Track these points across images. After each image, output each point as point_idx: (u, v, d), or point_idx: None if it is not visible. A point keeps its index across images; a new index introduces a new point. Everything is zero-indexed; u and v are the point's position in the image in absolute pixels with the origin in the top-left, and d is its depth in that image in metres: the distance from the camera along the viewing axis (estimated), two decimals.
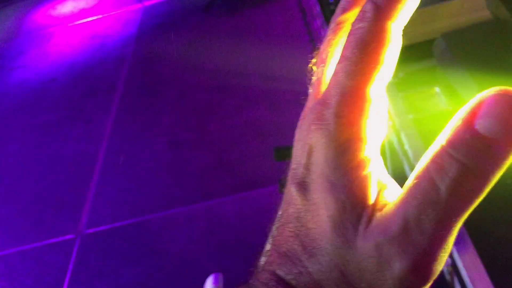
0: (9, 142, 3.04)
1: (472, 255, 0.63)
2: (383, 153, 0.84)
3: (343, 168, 0.23)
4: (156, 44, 3.51)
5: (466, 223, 0.64)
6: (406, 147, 0.80)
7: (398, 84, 0.89)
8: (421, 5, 0.40)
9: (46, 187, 2.59)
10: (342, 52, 0.25)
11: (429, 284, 0.22)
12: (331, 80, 0.25)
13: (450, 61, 0.69)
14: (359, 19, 0.24)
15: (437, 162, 0.21)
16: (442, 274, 0.72)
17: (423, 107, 0.83)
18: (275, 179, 1.13)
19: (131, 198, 2.37)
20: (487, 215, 0.63)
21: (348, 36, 0.24)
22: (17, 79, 3.67)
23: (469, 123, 0.20)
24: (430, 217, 0.20)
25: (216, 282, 1.25)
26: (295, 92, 2.57)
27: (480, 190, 0.20)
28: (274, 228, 0.28)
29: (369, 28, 0.23)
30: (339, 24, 0.27)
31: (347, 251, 0.23)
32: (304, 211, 0.25)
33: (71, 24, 4.18)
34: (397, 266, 0.21)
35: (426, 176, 0.21)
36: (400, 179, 0.26)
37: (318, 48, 0.29)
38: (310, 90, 0.28)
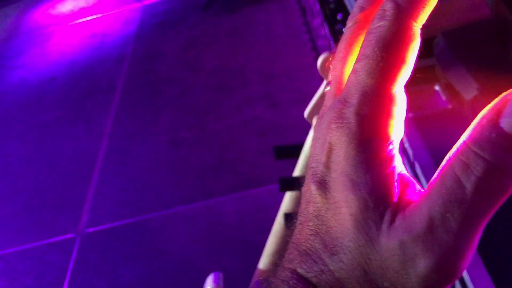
0: (9, 141, 3.04)
1: None
2: None
3: (365, 166, 0.23)
4: (156, 43, 3.50)
5: None
6: (406, 145, 0.80)
7: None
8: None
9: (46, 186, 2.59)
10: (362, 50, 0.25)
11: (452, 283, 0.22)
12: (350, 78, 0.25)
13: (450, 59, 0.69)
14: (380, 17, 0.24)
15: (462, 160, 0.21)
16: None
17: (423, 106, 0.83)
18: (275, 178, 1.13)
19: (131, 197, 2.37)
20: None
21: (368, 35, 0.24)
22: (17, 78, 3.67)
23: (494, 122, 0.20)
24: (456, 215, 0.21)
25: (216, 281, 1.25)
26: (295, 90, 2.57)
27: (506, 188, 0.20)
28: (293, 226, 0.28)
29: (390, 26, 0.24)
30: (357, 23, 0.27)
31: (370, 249, 0.23)
32: (324, 210, 0.25)
33: (70, 23, 4.18)
34: (422, 264, 0.21)
35: (451, 174, 0.21)
36: None
37: (335, 47, 0.29)
38: (328, 89, 0.28)
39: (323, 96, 1.00)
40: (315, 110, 1.01)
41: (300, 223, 0.27)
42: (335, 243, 0.24)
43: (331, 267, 0.24)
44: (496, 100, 0.21)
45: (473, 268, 0.61)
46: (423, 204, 0.22)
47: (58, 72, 3.54)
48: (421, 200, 0.22)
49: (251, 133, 2.46)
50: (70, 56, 3.70)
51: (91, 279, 2.07)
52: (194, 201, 2.22)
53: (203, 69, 3.05)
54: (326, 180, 0.25)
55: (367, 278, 0.23)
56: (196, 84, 2.94)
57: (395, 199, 0.23)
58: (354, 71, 0.25)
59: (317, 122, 0.27)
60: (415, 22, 0.24)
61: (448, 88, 0.78)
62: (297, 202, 1.11)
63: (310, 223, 0.26)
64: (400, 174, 0.24)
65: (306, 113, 1.04)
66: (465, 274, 0.62)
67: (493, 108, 0.21)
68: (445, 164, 0.22)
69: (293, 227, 0.28)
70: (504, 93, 0.21)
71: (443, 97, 0.80)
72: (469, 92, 0.61)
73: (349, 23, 0.28)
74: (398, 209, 0.23)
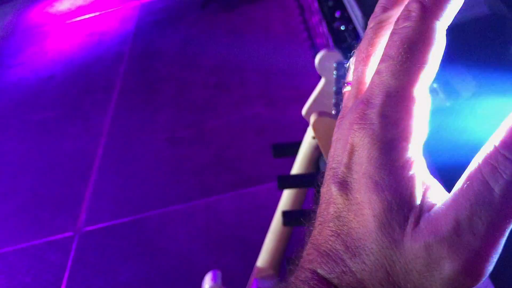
0: (6, 140, 3.03)
1: None
2: None
3: (388, 167, 0.23)
4: (154, 41, 3.50)
5: None
6: None
7: None
8: None
9: (44, 184, 2.59)
10: (386, 51, 0.24)
11: (477, 285, 0.22)
12: (374, 79, 0.25)
13: (448, 57, 0.69)
14: (404, 18, 0.24)
15: (491, 164, 0.20)
16: None
17: None
18: (273, 176, 1.13)
19: (129, 195, 2.36)
20: None
21: (392, 35, 0.24)
22: (15, 77, 3.66)
23: None
24: (483, 218, 0.20)
25: (214, 279, 1.25)
26: (294, 88, 2.57)
27: None
28: (311, 226, 0.28)
29: (415, 27, 0.23)
30: (380, 23, 0.27)
31: (394, 251, 0.23)
32: (346, 211, 0.25)
33: (68, 22, 4.17)
34: (448, 267, 0.21)
35: (479, 177, 0.21)
36: None
37: (356, 47, 0.28)
38: (348, 89, 0.28)
39: (321, 93, 1.00)
40: (313, 108, 1.01)
41: (320, 224, 0.26)
42: (357, 244, 0.24)
43: (353, 269, 0.24)
44: None
45: None
46: (449, 207, 0.22)
47: (56, 71, 3.54)
48: (447, 203, 0.22)
49: (250, 131, 2.46)
50: (68, 54, 3.69)
51: (90, 277, 2.07)
52: (193, 199, 2.22)
53: (201, 67, 3.04)
54: (347, 181, 0.25)
55: (390, 279, 0.23)
56: (194, 82, 2.94)
57: (419, 201, 0.23)
58: (377, 72, 0.24)
59: (338, 123, 0.27)
60: (440, 23, 0.24)
61: (446, 85, 0.78)
62: (300, 201, 1.11)
63: (331, 224, 0.25)
64: (423, 176, 0.24)
65: (304, 110, 1.04)
66: None
67: None
68: (472, 167, 0.21)
69: (311, 228, 0.28)
70: None
71: (442, 95, 0.80)
72: (467, 89, 0.61)
73: (371, 24, 0.27)
74: (422, 211, 0.23)
